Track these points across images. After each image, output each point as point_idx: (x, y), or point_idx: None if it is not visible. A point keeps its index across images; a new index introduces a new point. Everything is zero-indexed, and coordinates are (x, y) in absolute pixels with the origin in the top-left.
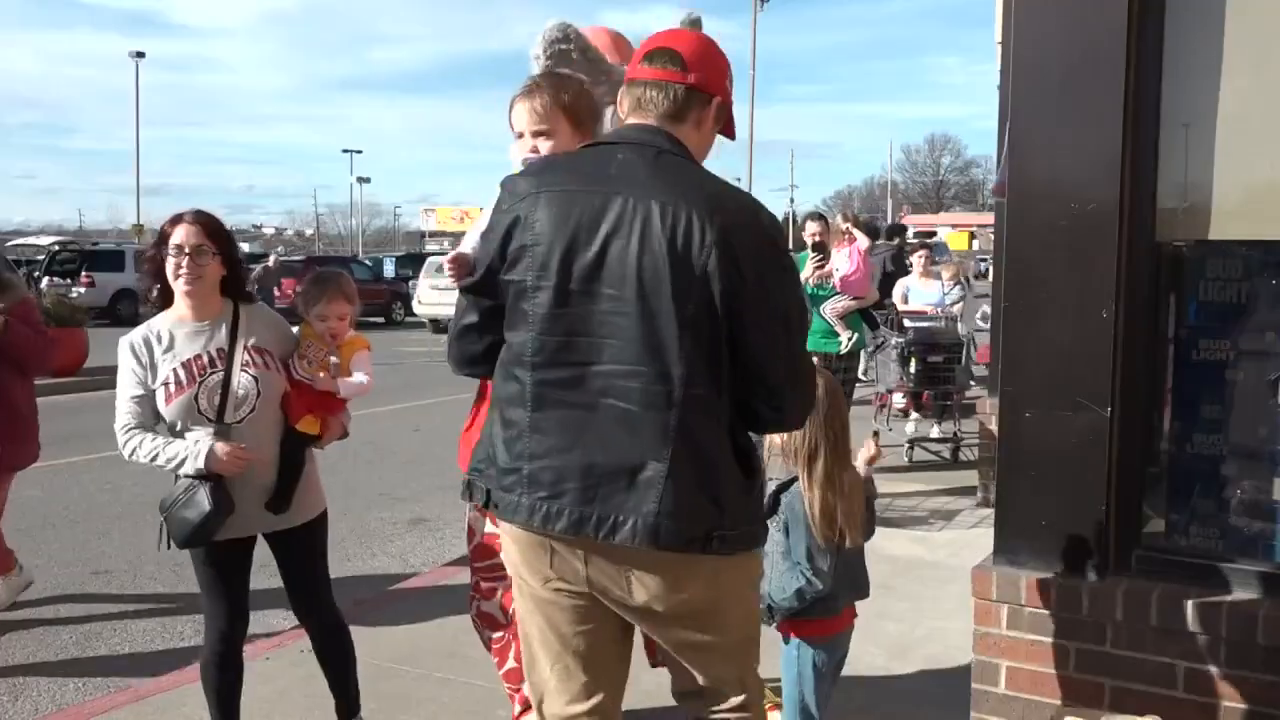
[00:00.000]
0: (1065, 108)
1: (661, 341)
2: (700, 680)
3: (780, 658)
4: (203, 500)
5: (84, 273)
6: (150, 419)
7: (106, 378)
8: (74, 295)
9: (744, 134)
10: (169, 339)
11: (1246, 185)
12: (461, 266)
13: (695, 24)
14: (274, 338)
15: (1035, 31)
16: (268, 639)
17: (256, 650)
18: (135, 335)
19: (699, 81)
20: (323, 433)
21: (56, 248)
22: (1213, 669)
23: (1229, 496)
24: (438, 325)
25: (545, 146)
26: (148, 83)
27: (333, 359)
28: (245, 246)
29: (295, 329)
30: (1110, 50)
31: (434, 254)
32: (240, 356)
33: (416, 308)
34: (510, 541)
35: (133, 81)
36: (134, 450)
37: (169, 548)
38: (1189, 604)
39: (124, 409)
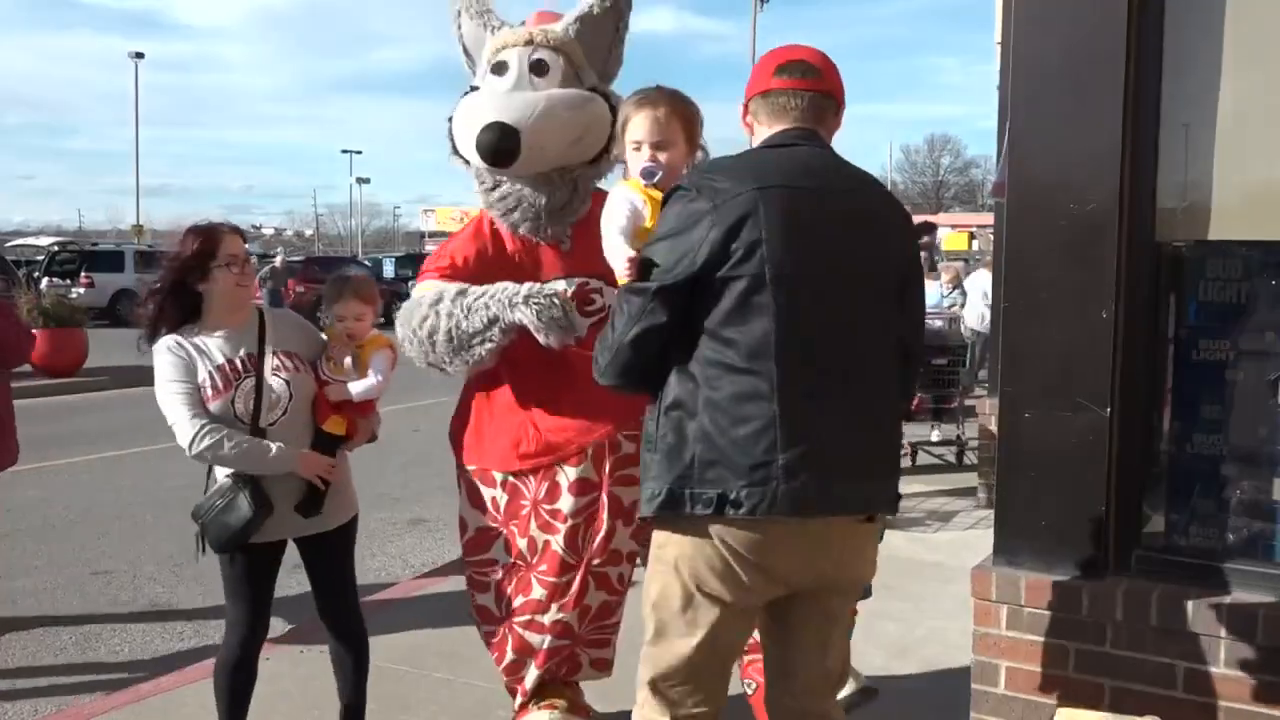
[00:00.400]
0: (1065, 107)
1: (886, 323)
2: (828, 663)
3: None
4: (243, 504)
5: (83, 273)
6: (202, 406)
7: (106, 378)
8: (73, 296)
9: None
10: (203, 346)
11: (1246, 185)
12: (639, 267)
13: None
14: (300, 340)
15: (1035, 31)
16: (271, 638)
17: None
18: (170, 341)
19: (831, 88)
20: (351, 434)
21: (56, 248)
22: (1212, 669)
23: (1229, 497)
24: None
25: (663, 157)
26: (147, 83)
27: (348, 359)
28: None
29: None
30: (1110, 49)
31: None
32: (270, 361)
33: None
34: (729, 545)
35: (132, 82)
36: (214, 444)
37: (204, 553)
38: (1189, 604)
39: (179, 402)
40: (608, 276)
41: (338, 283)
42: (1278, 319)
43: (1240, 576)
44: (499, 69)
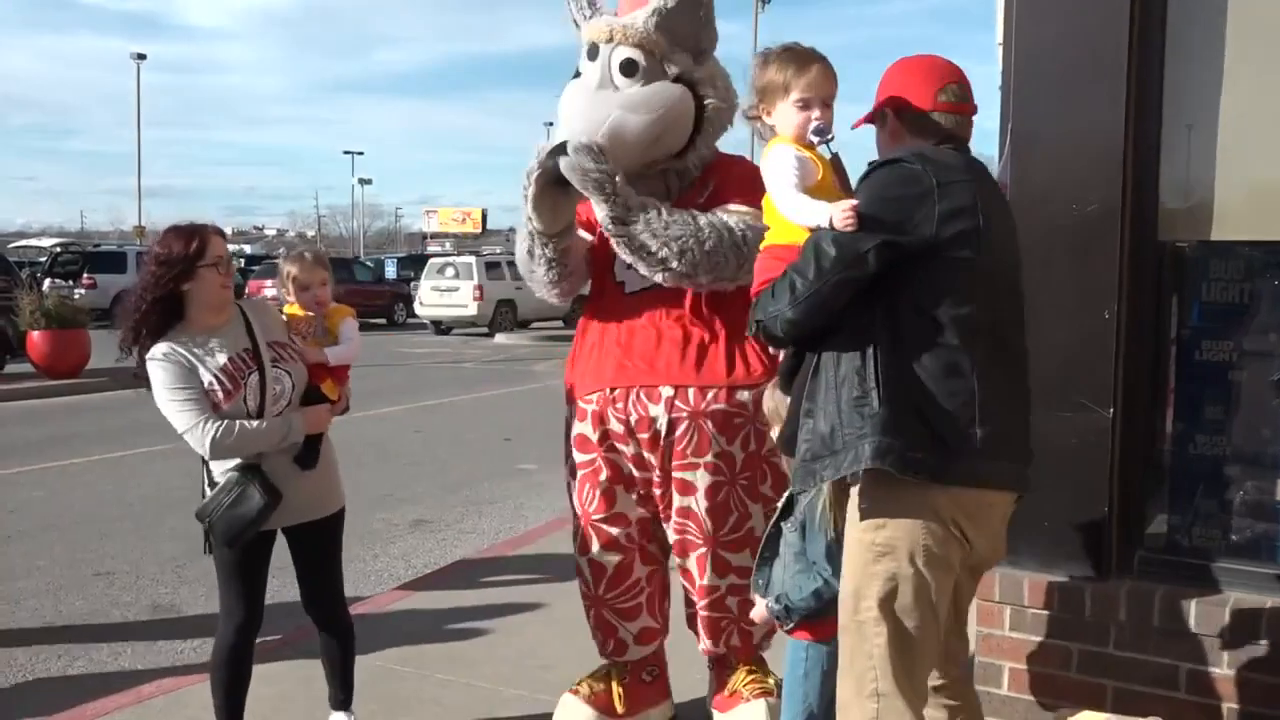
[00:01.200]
0: (1066, 107)
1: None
2: (965, 634)
3: (786, 658)
4: (254, 495)
5: (85, 274)
6: (212, 410)
7: (108, 379)
8: (76, 297)
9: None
10: (199, 350)
11: (1249, 186)
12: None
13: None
14: (278, 326)
15: (1036, 32)
16: (270, 640)
17: (258, 652)
18: (164, 348)
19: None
20: (334, 399)
21: (58, 249)
22: (1215, 670)
23: (1232, 498)
24: (439, 326)
25: (828, 115)
26: (149, 84)
27: (314, 329)
28: (247, 248)
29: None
30: (1112, 50)
31: (436, 254)
32: (267, 353)
33: (418, 309)
34: (950, 511)
35: (134, 83)
36: (223, 436)
37: (210, 551)
38: (1191, 605)
39: (187, 408)
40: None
41: (295, 255)
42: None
43: (1243, 578)
44: (591, 54)
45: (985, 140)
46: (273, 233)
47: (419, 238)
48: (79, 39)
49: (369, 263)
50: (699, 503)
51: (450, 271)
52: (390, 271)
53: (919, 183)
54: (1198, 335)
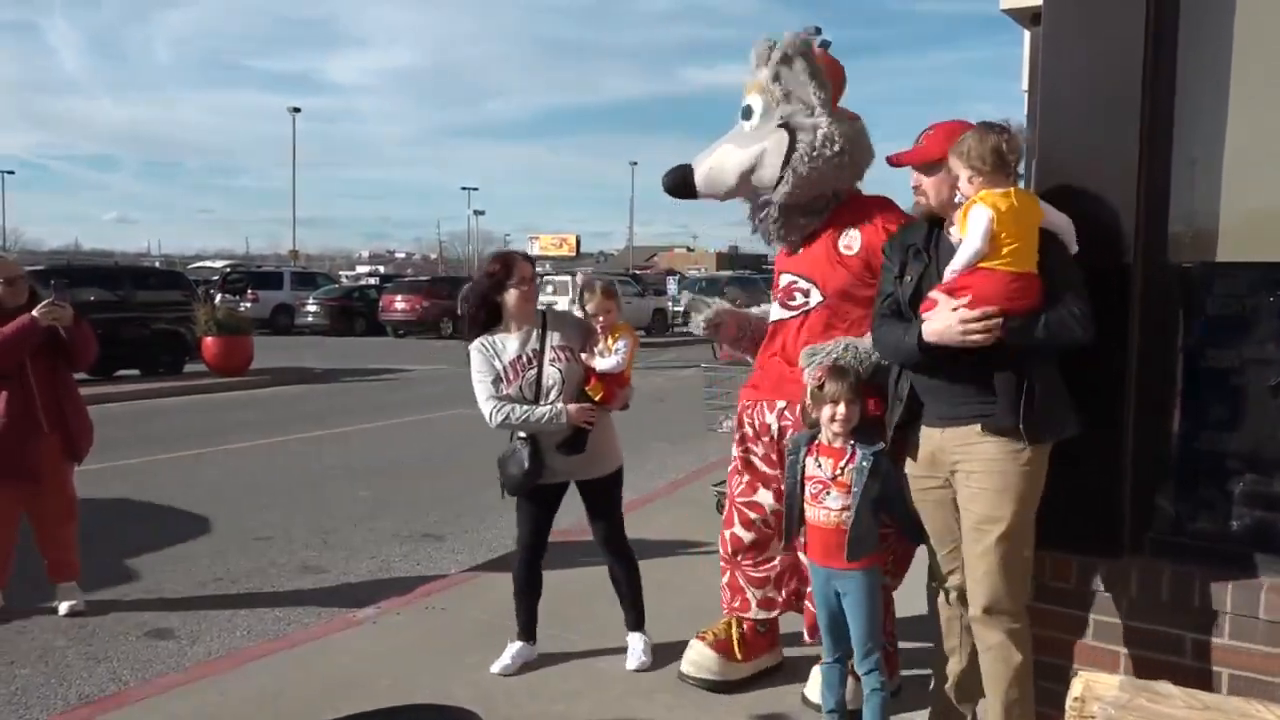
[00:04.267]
0: (1086, 145)
1: None
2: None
3: (864, 592)
4: (523, 458)
5: (250, 290)
6: (502, 395)
7: (269, 377)
8: (242, 309)
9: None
10: (501, 345)
11: (1250, 213)
12: None
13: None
14: (574, 334)
15: (1058, 80)
16: (399, 598)
17: (390, 606)
18: (481, 342)
19: None
20: (607, 399)
21: (228, 270)
22: (1216, 640)
23: (1232, 488)
24: None
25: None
26: (302, 131)
27: (602, 344)
28: (381, 269)
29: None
30: (1126, 94)
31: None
32: (549, 354)
33: None
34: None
35: (290, 131)
36: (505, 417)
37: (503, 497)
38: (1196, 582)
39: (486, 393)
40: (816, 279)
41: (591, 286)
42: (1278, 330)
43: (1243, 558)
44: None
45: None
46: (402, 256)
47: None
48: (246, 95)
49: None
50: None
51: (550, 288)
52: None
53: None
54: (1203, 345)
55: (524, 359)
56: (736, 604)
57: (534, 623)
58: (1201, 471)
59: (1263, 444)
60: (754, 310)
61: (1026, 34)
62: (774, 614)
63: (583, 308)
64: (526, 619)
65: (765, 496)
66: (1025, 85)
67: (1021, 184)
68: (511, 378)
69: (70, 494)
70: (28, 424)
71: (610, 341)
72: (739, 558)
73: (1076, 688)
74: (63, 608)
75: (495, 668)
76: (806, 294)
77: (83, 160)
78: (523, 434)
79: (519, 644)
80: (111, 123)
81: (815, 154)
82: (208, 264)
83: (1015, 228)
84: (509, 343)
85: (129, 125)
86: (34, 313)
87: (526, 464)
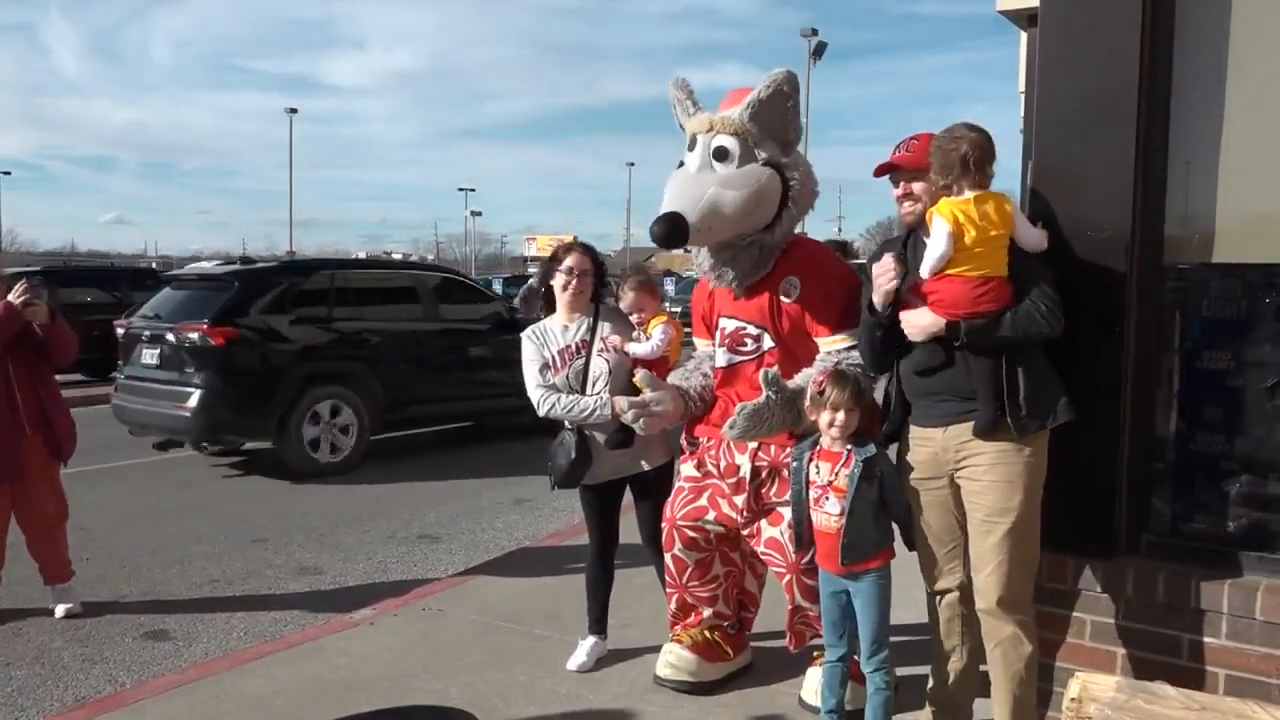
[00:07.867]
0: (1082, 147)
1: None
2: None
3: (875, 592)
4: (570, 447)
5: None
6: (549, 384)
7: None
8: None
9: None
10: (550, 333)
11: (1244, 215)
12: None
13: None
14: (626, 328)
15: (1054, 81)
16: (396, 599)
17: (386, 608)
18: (532, 330)
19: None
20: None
21: None
22: (1212, 640)
23: (1227, 489)
24: None
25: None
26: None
27: (638, 334)
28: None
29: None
30: (1123, 96)
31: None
32: (597, 346)
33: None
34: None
35: (287, 132)
36: (551, 406)
37: (552, 489)
38: (1193, 583)
39: (534, 380)
40: (766, 325)
41: (630, 282)
42: (1272, 332)
43: (1238, 559)
44: (690, 145)
45: (1009, 177)
46: (399, 256)
47: (521, 261)
48: (244, 96)
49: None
50: (783, 534)
51: None
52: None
53: None
54: (1198, 346)
55: (572, 348)
56: (691, 619)
57: (605, 617)
58: (1198, 472)
59: (1259, 445)
60: (673, 376)
61: (1023, 35)
62: (727, 624)
63: (620, 299)
64: (599, 613)
65: (709, 515)
66: (1022, 86)
67: (1021, 184)
68: (559, 366)
69: (60, 495)
70: (10, 426)
71: (647, 329)
72: (685, 580)
73: (1073, 688)
74: (59, 610)
75: (571, 665)
76: (757, 339)
77: (80, 161)
78: (569, 426)
79: (592, 639)
80: (109, 124)
81: (806, 193)
82: (205, 265)
83: (979, 234)
84: (559, 331)
85: (127, 126)
86: (10, 298)
87: (574, 453)
